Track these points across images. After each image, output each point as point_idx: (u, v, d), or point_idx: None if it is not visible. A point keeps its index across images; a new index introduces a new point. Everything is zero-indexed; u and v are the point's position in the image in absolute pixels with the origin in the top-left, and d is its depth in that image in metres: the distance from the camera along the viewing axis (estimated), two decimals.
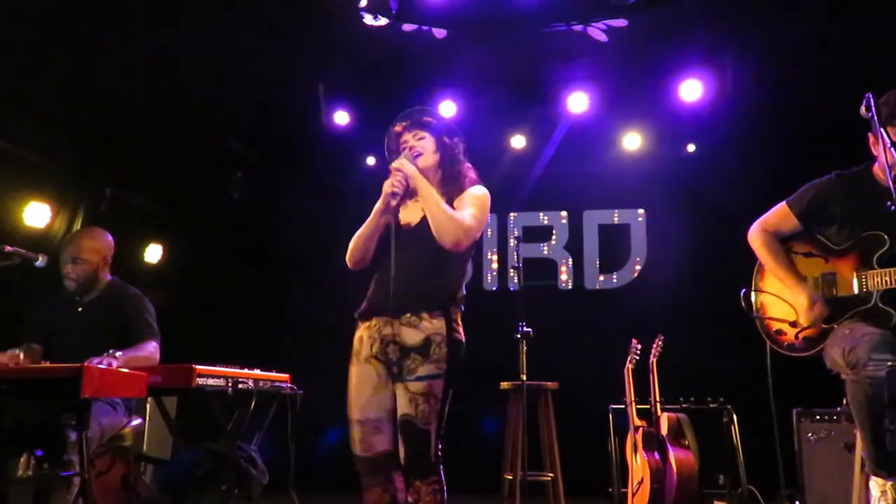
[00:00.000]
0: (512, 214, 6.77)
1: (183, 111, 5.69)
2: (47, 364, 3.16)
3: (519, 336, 4.15)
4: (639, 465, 4.75)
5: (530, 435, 4.38)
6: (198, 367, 3.49)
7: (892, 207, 2.26)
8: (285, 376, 4.10)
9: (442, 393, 2.49)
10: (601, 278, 6.56)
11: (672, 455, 4.60)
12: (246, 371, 3.83)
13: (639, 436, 4.80)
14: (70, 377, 2.71)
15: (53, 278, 3.62)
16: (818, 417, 4.26)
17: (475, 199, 2.66)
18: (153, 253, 6.39)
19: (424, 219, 2.61)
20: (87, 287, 3.60)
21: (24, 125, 4.90)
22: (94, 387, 2.74)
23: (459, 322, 2.60)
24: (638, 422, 4.87)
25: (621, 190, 6.53)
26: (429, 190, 2.58)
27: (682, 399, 4.89)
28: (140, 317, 3.58)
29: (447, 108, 5.96)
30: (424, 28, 5.12)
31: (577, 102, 6.05)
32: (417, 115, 2.77)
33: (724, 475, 4.75)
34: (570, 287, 6.57)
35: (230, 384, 3.66)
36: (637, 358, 4.99)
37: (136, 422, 3.62)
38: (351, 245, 2.67)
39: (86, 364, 2.80)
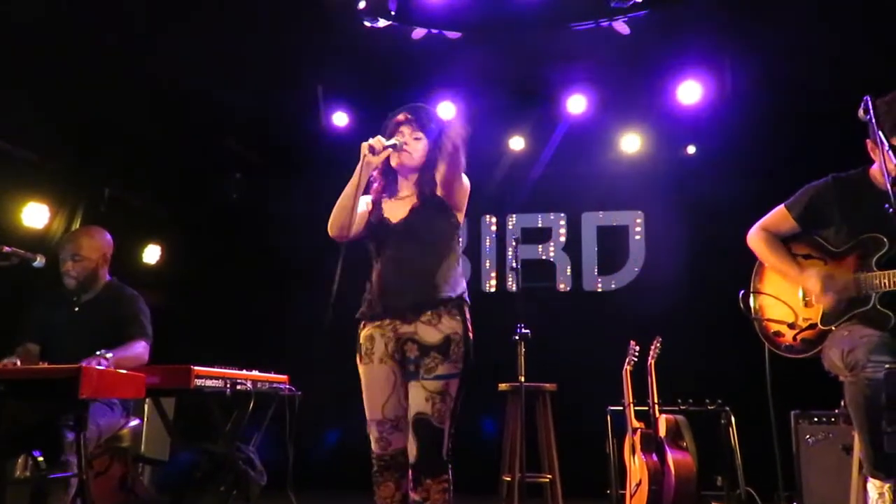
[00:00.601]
0: (510, 216, 6.77)
1: (182, 112, 5.70)
2: (45, 364, 3.15)
3: (517, 338, 4.15)
4: (637, 466, 4.75)
5: (528, 436, 4.38)
6: (196, 367, 3.49)
7: (891, 210, 2.26)
8: (284, 377, 4.10)
9: (456, 392, 2.52)
10: (600, 280, 6.56)
11: (670, 457, 4.60)
12: (244, 372, 3.83)
13: (637, 437, 4.80)
14: (68, 378, 2.71)
15: (52, 279, 3.62)
16: (816, 419, 4.26)
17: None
18: (152, 254, 6.38)
19: (413, 212, 2.62)
20: (87, 285, 3.60)
21: (22, 125, 4.89)
22: (92, 388, 2.74)
23: (470, 321, 2.61)
24: (636, 423, 4.87)
25: (620, 192, 6.53)
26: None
27: (680, 401, 4.89)
28: (135, 317, 3.57)
29: (446, 110, 5.96)
30: (434, 31, 5.13)
31: (576, 104, 6.06)
32: (423, 116, 2.74)
33: (723, 477, 4.75)
34: (568, 289, 6.57)
35: (228, 385, 3.67)
36: (635, 359, 4.99)
37: (134, 422, 3.62)
38: (334, 213, 2.61)
39: (84, 365, 2.80)
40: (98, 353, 3.13)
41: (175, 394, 4.16)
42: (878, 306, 2.69)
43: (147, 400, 4.37)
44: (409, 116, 2.72)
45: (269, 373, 4.02)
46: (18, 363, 3.30)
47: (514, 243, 4.26)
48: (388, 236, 2.59)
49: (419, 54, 5.45)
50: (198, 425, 4.19)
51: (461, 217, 2.74)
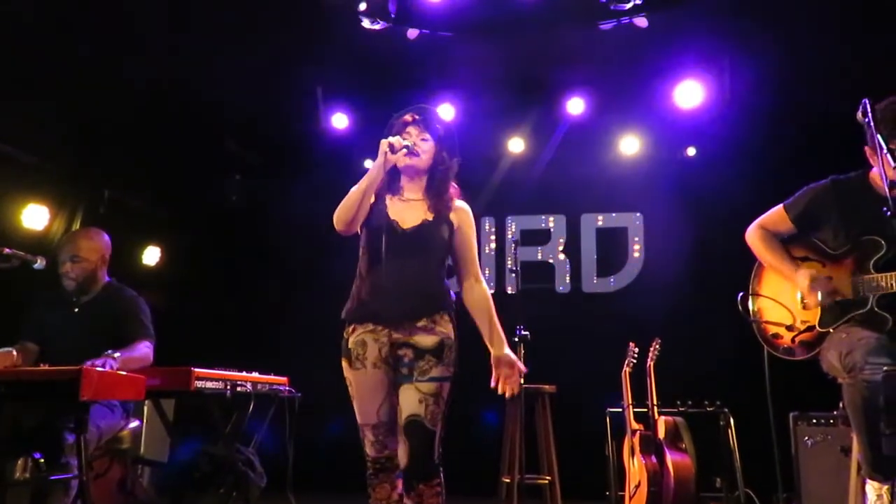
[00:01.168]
0: (510, 217, 6.78)
1: (181, 113, 5.70)
2: (44, 365, 3.15)
3: (517, 339, 4.15)
4: (636, 468, 4.75)
5: (528, 438, 4.37)
6: (196, 369, 3.49)
7: (889, 213, 2.27)
8: (283, 379, 4.11)
9: (448, 396, 2.53)
10: (599, 282, 6.57)
11: (669, 458, 4.61)
12: (244, 374, 3.84)
13: (636, 439, 4.80)
14: (69, 380, 2.71)
15: (52, 280, 3.62)
16: (815, 421, 4.27)
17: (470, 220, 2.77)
18: (151, 255, 6.38)
19: (425, 225, 2.64)
20: (86, 286, 3.60)
21: (22, 127, 4.90)
22: (92, 389, 2.75)
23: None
24: (635, 425, 4.88)
25: (619, 193, 6.54)
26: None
27: (679, 402, 4.90)
28: (135, 317, 3.58)
29: (446, 111, 5.95)
30: (426, 32, 5.13)
31: (576, 106, 6.06)
32: (430, 117, 2.76)
33: (721, 478, 4.76)
34: (567, 290, 6.58)
35: (228, 387, 3.67)
36: (634, 361, 4.99)
37: (134, 424, 3.63)
38: (343, 207, 2.62)
39: (85, 366, 2.80)
40: (107, 353, 3.13)
41: (175, 395, 4.16)
42: (876, 308, 2.69)
43: (147, 401, 4.37)
44: (417, 117, 2.73)
45: (269, 374, 4.02)
46: (14, 353, 3.31)
47: (513, 245, 4.27)
48: (395, 241, 2.59)
49: (419, 56, 5.45)
50: (198, 427, 4.19)
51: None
